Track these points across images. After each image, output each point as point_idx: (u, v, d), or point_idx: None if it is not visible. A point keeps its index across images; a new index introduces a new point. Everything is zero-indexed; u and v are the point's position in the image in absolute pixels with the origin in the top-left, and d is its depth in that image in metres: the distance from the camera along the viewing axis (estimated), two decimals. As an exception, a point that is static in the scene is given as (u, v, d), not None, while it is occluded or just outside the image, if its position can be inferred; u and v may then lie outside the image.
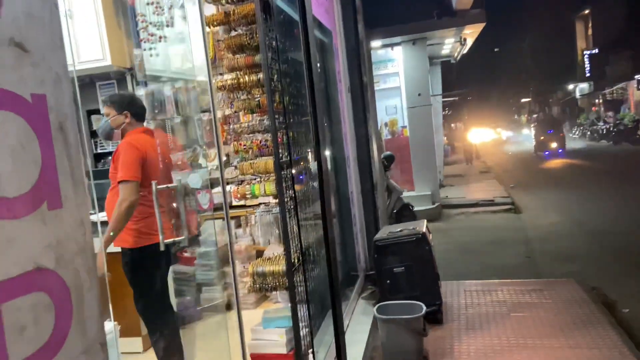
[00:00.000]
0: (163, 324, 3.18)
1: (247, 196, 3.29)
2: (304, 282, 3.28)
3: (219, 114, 4.76)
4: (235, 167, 3.45)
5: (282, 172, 3.01)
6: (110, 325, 2.30)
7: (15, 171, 0.84)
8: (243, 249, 4.32)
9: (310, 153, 3.34)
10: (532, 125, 24.65)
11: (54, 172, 0.92)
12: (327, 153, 4.50)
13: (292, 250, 3.19)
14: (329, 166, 4.69)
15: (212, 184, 4.56)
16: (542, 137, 19.55)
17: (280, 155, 3.10)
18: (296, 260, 3.39)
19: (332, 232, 3.12)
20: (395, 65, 10.23)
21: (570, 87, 35.44)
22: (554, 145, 18.89)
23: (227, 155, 4.53)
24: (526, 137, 30.35)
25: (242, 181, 3.34)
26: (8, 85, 0.84)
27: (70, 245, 0.95)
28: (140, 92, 5.03)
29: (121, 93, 3.21)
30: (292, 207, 3.22)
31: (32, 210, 0.87)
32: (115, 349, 2.29)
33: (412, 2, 10.03)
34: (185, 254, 4.87)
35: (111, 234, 2.80)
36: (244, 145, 3.20)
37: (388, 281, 4.02)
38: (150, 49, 4.42)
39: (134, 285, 3.07)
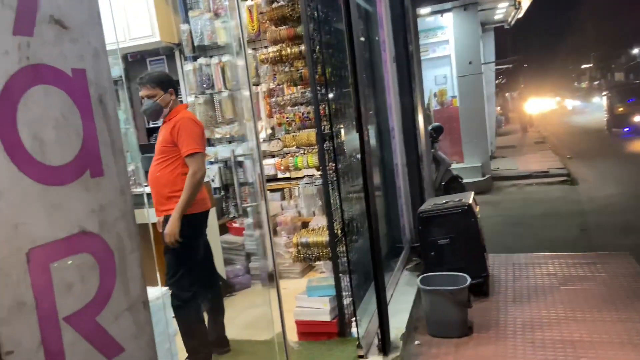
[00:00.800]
0: (209, 289, 3.26)
1: (291, 168, 3.34)
2: (346, 253, 3.33)
3: (263, 87, 4.81)
4: (279, 139, 3.49)
5: (325, 144, 3.04)
6: (160, 290, 2.43)
7: (59, 141, 0.90)
8: (289, 220, 4.41)
9: (352, 125, 3.34)
10: (603, 93, 18.36)
11: (95, 142, 0.98)
12: (371, 125, 4.48)
13: (335, 222, 3.24)
14: (373, 138, 4.67)
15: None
16: (619, 109, 15.18)
17: (323, 127, 3.12)
18: (339, 232, 3.43)
19: (374, 205, 3.12)
20: (445, 33, 9.90)
21: (635, 51, 33.16)
22: (637, 118, 14.28)
23: (272, 128, 4.59)
24: (597, 107, 24.82)
25: (287, 154, 3.39)
26: (50, 60, 0.89)
27: (113, 211, 1.01)
28: (188, 67, 5.15)
29: (158, 72, 3.28)
30: (334, 179, 3.25)
31: (76, 178, 0.93)
32: (164, 314, 2.42)
33: (463, -34, 9.61)
34: (235, 225, 5.03)
35: (184, 204, 2.91)
36: (287, 117, 3.24)
37: (432, 253, 4.00)
38: (224, 21, 4.44)
39: (178, 251, 3.06)
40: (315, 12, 3.12)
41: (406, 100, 5.07)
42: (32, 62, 0.86)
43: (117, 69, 6.11)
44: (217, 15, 4.96)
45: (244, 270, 4.68)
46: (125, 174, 1.06)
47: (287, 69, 3.27)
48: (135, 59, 5.87)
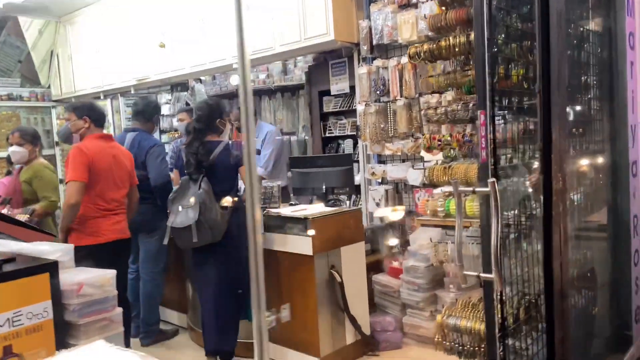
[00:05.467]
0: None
1: (439, 214, 2.29)
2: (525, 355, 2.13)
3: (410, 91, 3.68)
4: (424, 169, 2.45)
5: (492, 185, 1.90)
6: None
7: None
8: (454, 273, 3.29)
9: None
10: None
11: None
12: (595, 156, 3.04)
13: (497, 301, 2.06)
14: (606, 175, 3.19)
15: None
16: None
17: (496, 157, 1.99)
18: (510, 319, 2.24)
19: (562, 274, 1.87)
20: None
21: None
22: None
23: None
24: None
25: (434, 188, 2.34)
26: None
27: None
28: (362, 70, 4.39)
29: (82, 100, 3.94)
30: (507, 237, 2.08)
31: None
32: None
33: None
34: (395, 263, 4.09)
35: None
36: (440, 140, 2.20)
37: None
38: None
39: None
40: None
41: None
42: None
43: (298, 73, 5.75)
44: (401, 7, 4.08)
45: (395, 324, 3.71)
46: None
47: (450, 69, 2.21)
48: (318, 62, 5.39)
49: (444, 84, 2.23)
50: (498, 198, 1.79)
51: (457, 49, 2.09)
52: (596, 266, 3.13)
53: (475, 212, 2.16)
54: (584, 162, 2.53)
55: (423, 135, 2.37)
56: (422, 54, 2.19)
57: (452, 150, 2.22)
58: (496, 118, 2.06)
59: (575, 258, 2.76)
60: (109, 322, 2.49)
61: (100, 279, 2.51)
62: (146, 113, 3.91)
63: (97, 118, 3.34)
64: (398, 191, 4.43)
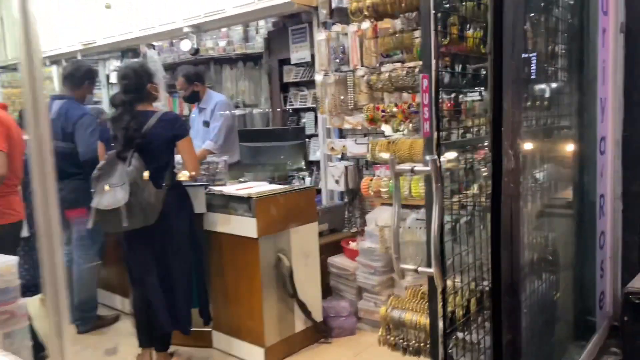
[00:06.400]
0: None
1: (383, 195, 2.03)
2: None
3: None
4: (369, 144, 2.16)
5: (437, 161, 1.63)
6: None
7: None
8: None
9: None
10: None
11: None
12: (560, 133, 2.80)
13: (440, 297, 1.82)
14: (571, 152, 2.97)
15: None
16: None
17: (440, 131, 1.72)
18: (459, 311, 2.01)
19: (512, 266, 1.64)
20: None
21: None
22: None
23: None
24: None
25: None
26: None
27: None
28: (321, 36, 4.05)
29: None
30: (458, 222, 1.84)
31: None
32: None
33: None
34: (352, 245, 3.84)
35: None
36: (384, 111, 1.92)
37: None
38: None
39: None
40: None
41: (637, 96, 3.17)
42: None
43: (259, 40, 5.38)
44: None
45: (349, 309, 3.49)
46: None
47: (393, 30, 1.92)
48: (277, 28, 5.03)
49: (390, 45, 1.94)
50: (441, 179, 1.53)
51: (403, 4, 1.79)
52: (559, 249, 2.93)
53: (422, 194, 1.91)
54: (545, 138, 2.28)
55: (365, 106, 2.08)
56: (364, 10, 1.89)
57: (399, 123, 1.95)
58: (445, 86, 1.79)
59: (535, 242, 2.55)
60: (10, 315, 2.20)
61: (-3, 269, 2.20)
62: (75, 78, 3.52)
63: None
64: (359, 168, 4.17)
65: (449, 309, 1.86)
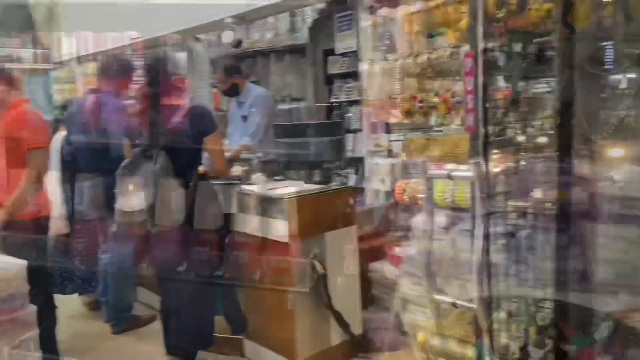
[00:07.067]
0: None
1: (421, 203, 1.71)
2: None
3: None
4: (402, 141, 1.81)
5: (476, 167, 1.31)
6: None
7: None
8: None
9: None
10: None
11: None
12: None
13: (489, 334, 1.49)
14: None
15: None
16: None
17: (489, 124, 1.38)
18: (515, 345, 1.67)
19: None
20: None
21: None
22: None
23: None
24: None
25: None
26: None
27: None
28: (366, 23, 3.74)
29: None
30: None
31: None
32: None
33: None
34: (396, 250, 3.51)
35: None
36: (422, 101, 1.59)
37: None
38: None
39: None
40: None
41: None
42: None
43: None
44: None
45: (392, 322, 3.17)
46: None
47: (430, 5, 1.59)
48: (322, 16, 4.75)
49: (434, 21, 1.60)
50: (487, 187, 1.20)
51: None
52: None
53: (468, 201, 1.57)
54: (630, 134, 1.86)
55: (400, 95, 1.75)
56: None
57: (442, 116, 1.62)
58: (498, 69, 1.45)
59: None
60: (14, 324, 2.07)
61: (3, 274, 2.07)
62: (110, 71, 3.41)
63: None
64: (407, 165, 3.82)
65: (503, 340, 1.53)
